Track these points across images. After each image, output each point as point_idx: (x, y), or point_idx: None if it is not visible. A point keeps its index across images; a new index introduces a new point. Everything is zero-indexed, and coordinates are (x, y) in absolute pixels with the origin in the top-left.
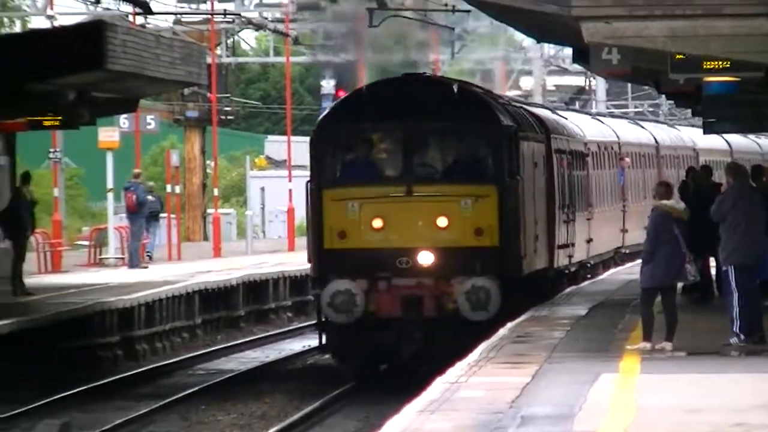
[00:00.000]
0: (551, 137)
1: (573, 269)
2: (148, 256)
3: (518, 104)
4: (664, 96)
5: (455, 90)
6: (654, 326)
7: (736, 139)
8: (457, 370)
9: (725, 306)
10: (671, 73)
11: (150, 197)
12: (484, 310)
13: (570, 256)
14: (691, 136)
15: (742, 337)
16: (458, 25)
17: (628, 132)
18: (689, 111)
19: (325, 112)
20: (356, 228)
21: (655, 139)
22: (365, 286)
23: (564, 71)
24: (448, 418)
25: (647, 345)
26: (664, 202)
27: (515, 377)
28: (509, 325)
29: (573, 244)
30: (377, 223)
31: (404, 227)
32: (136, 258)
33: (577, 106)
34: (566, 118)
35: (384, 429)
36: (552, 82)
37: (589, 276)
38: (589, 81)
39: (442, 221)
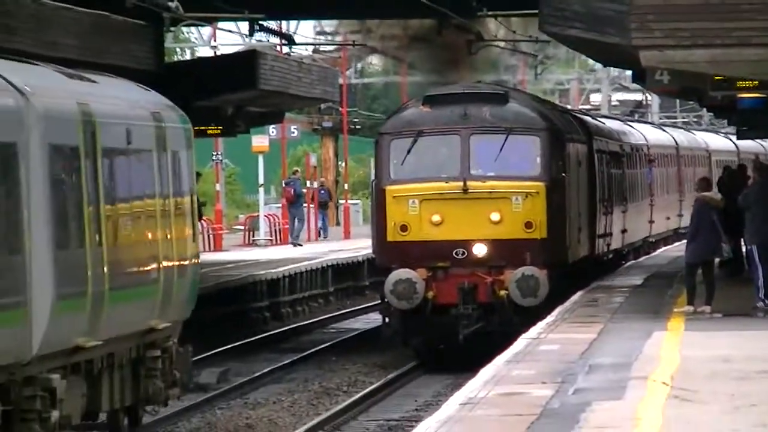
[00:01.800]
0: (593, 139)
1: (610, 256)
2: (295, 239)
3: (563, 110)
4: (705, 109)
5: (506, 97)
6: (696, 293)
7: (742, 142)
8: (538, 328)
9: (752, 277)
10: (711, 91)
11: (322, 190)
12: (533, 297)
13: (608, 245)
14: (704, 138)
15: (766, 302)
16: (540, 52)
17: (654, 135)
18: (726, 121)
19: (390, 118)
20: (417, 222)
21: (675, 141)
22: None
23: (625, 89)
24: (531, 367)
25: (690, 308)
26: (705, 193)
27: (584, 334)
28: (579, 292)
29: (611, 234)
30: (436, 218)
31: (461, 222)
32: (293, 237)
33: (635, 117)
34: (604, 123)
35: (478, 375)
36: (616, 97)
37: (623, 262)
38: (646, 97)
39: (495, 216)
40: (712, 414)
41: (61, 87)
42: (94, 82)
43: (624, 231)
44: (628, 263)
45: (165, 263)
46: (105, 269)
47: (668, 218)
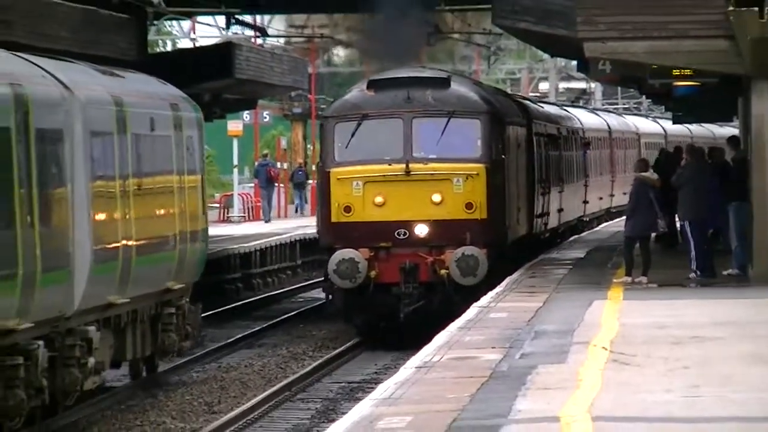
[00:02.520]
0: (532, 122)
1: (547, 235)
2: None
3: (504, 94)
4: (644, 96)
5: (448, 81)
6: (633, 265)
7: (669, 126)
8: (488, 298)
9: (685, 250)
10: (649, 80)
11: (300, 171)
12: (473, 276)
13: (545, 224)
14: (634, 122)
15: (698, 273)
16: (493, 44)
17: (589, 119)
18: (663, 107)
19: (335, 102)
20: (360, 203)
21: (608, 125)
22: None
23: (571, 78)
24: (481, 333)
25: (628, 279)
26: (642, 173)
27: (531, 303)
28: (527, 264)
29: (548, 214)
30: (379, 199)
31: (403, 203)
32: (266, 214)
33: (580, 104)
34: (542, 107)
35: (434, 340)
36: (563, 86)
37: (559, 240)
38: (590, 85)
39: (437, 197)
40: (648, 376)
41: (96, 82)
42: (121, 77)
43: (560, 210)
44: (571, 238)
45: (180, 232)
46: (133, 238)
47: (601, 198)
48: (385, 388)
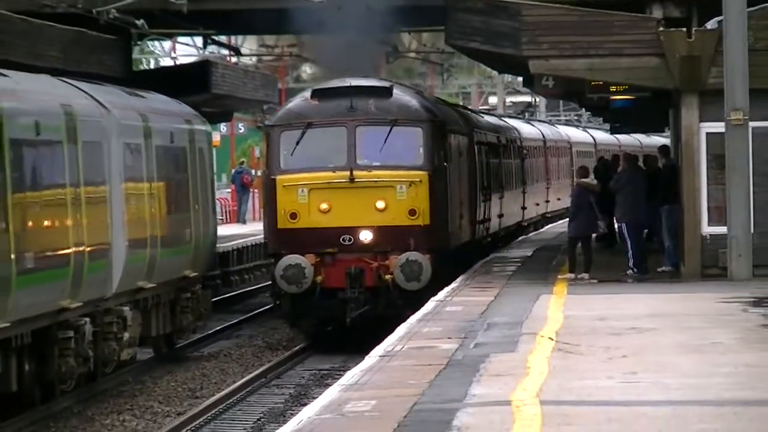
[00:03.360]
0: (474, 132)
1: (489, 240)
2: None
3: (445, 104)
4: (584, 108)
5: (391, 90)
6: (576, 263)
7: (599, 135)
8: (444, 293)
9: (623, 249)
10: (588, 94)
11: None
12: (417, 281)
13: (487, 229)
14: (566, 131)
15: (634, 270)
16: (446, 61)
17: (526, 129)
18: (601, 119)
19: (281, 110)
20: (306, 210)
21: (542, 134)
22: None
23: (517, 92)
24: (438, 325)
25: (572, 275)
26: (583, 179)
27: (483, 297)
28: (480, 261)
29: (489, 219)
30: (324, 206)
31: (348, 209)
32: (241, 217)
33: (525, 116)
34: (483, 117)
35: (396, 332)
36: (510, 99)
37: (500, 245)
38: (535, 99)
39: (381, 204)
40: (591, 363)
41: (126, 102)
42: (144, 97)
43: (500, 216)
44: (519, 238)
45: (195, 229)
46: (159, 234)
47: (537, 204)
48: (352, 374)
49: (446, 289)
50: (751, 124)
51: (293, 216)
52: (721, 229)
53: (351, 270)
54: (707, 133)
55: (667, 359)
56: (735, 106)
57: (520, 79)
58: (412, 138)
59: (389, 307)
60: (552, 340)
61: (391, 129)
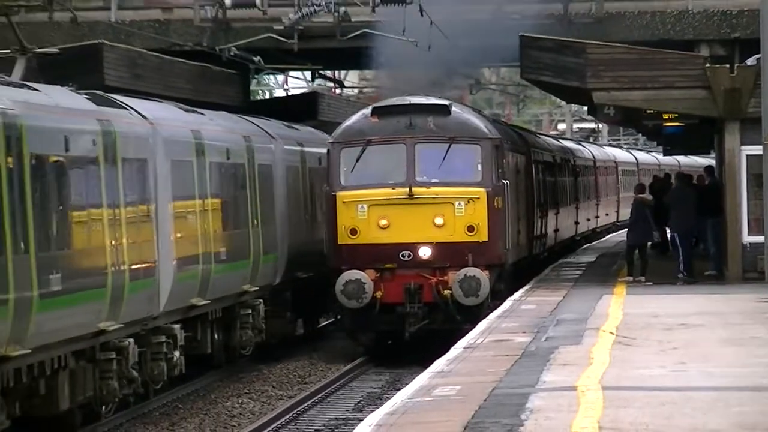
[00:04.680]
0: (531, 151)
1: (546, 254)
2: None
3: (504, 123)
4: (641, 134)
5: (449, 108)
6: (634, 267)
7: (640, 155)
8: (519, 293)
9: (674, 256)
10: (644, 121)
11: None
12: (475, 296)
13: (544, 244)
14: (612, 152)
15: (684, 274)
16: (521, 93)
17: (578, 150)
18: (655, 142)
19: (341, 127)
20: (365, 226)
21: (593, 155)
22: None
23: (583, 119)
24: (515, 321)
25: (630, 278)
26: (640, 195)
27: (553, 297)
28: (550, 266)
29: (546, 234)
30: (383, 222)
31: (407, 226)
32: None
33: (590, 140)
34: (539, 137)
35: (477, 327)
36: (576, 126)
37: (558, 259)
38: (598, 125)
39: (439, 220)
40: (645, 355)
41: (179, 118)
42: (203, 114)
43: (556, 231)
44: (583, 246)
45: (254, 245)
46: (212, 250)
47: (588, 219)
48: (439, 364)
49: (522, 290)
50: None
51: (353, 232)
52: (760, 239)
53: (410, 285)
54: (747, 155)
55: (711, 351)
56: None
57: (585, 108)
58: (470, 155)
59: (447, 322)
60: (612, 334)
61: (449, 146)
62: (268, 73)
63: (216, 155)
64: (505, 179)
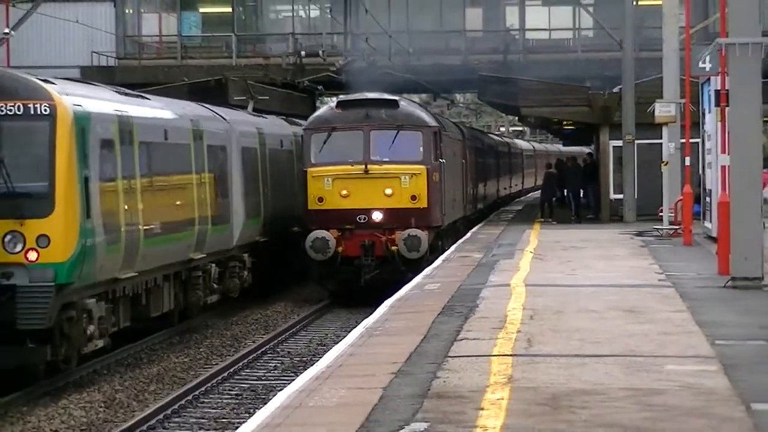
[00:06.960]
0: (466, 139)
1: (477, 214)
2: None
3: (443, 116)
4: (549, 133)
5: (398, 102)
6: (545, 213)
7: (537, 145)
8: (476, 228)
9: (569, 207)
10: (552, 126)
11: None
12: (417, 251)
13: (474, 207)
14: (521, 143)
15: (575, 217)
16: (479, 108)
17: (500, 141)
18: (558, 138)
19: (312, 117)
20: (330, 195)
21: (508, 144)
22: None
23: (515, 124)
24: (473, 244)
25: (542, 220)
26: (549, 170)
27: (496, 230)
28: (493, 214)
29: (476, 200)
30: (344, 192)
31: (363, 195)
32: None
33: (519, 137)
34: (472, 128)
35: (443, 256)
36: (512, 128)
37: (482, 219)
38: (524, 128)
39: (389, 191)
40: (551, 265)
41: (247, 120)
42: (265, 119)
43: (484, 197)
44: (513, 201)
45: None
46: (263, 207)
47: (505, 188)
48: (429, 270)
49: (478, 226)
50: (636, 141)
51: (320, 200)
52: (620, 196)
53: (365, 242)
54: (613, 146)
55: (591, 263)
56: (627, 131)
57: (517, 118)
58: (414, 140)
59: (395, 272)
60: (532, 253)
61: (397, 132)
62: (328, 96)
63: (273, 143)
64: (442, 159)
